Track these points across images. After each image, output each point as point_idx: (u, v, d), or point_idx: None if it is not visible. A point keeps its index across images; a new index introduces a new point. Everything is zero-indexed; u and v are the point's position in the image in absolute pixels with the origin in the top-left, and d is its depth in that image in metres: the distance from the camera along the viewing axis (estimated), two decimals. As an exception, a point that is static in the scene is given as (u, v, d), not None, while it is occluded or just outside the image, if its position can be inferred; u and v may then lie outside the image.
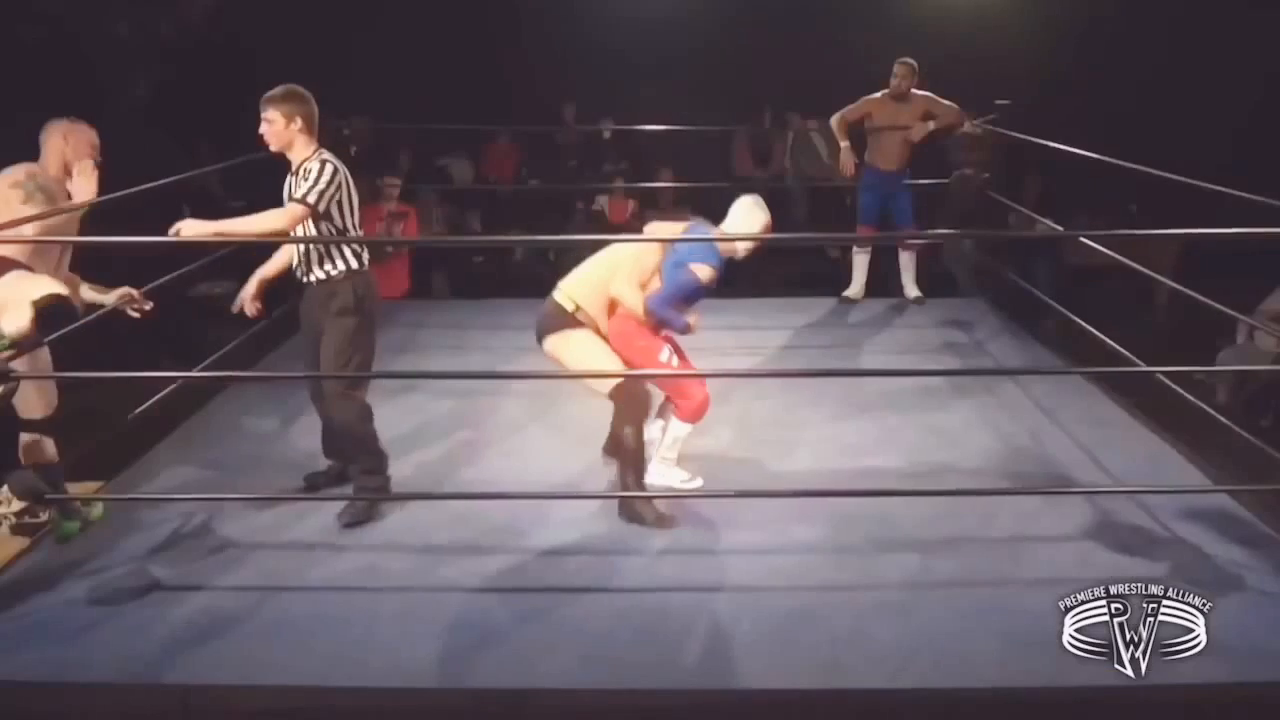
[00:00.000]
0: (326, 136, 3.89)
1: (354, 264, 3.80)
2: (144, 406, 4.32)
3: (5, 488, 3.53)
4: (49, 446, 3.59)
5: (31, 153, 3.55)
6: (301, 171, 3.73)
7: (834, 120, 6.45)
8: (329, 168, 3.71)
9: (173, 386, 4.51)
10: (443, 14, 8.43)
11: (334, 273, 3.79)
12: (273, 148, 3.81)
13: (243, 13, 8.01)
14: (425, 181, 8.36)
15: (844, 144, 6.43)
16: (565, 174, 8.70)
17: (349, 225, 3.78)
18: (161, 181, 4.46)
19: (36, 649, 3.00)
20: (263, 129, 3.77)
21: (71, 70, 7.30)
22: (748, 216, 4.00)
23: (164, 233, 3.50)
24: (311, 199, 3.66)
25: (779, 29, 8.54)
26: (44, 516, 3.58)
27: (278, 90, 3.78)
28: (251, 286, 3.99)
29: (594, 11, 8.44)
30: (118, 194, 3.82)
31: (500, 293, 7.35)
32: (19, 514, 3.53)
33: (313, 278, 3.81)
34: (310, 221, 3.69)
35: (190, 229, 3.54)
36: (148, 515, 3.78)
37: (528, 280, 7.90)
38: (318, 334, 3.84)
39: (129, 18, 7.90)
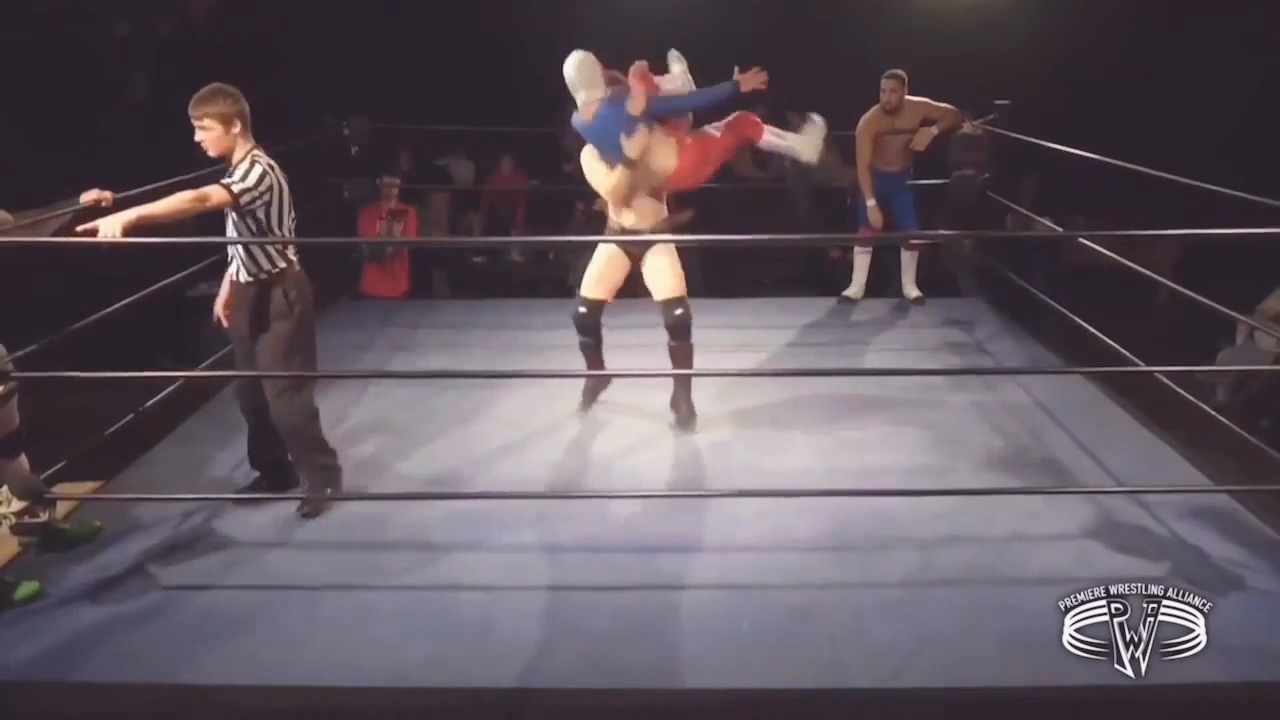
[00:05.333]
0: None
1: (280, 263, 3.72)
2: (144, 406, 4.32)
3: (5, 488, 3.53)
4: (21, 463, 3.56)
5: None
6: (239, 167, 3.58)
7: (860, 173, 6.42)
8: (258, 168, 3.58)
9: (173, 386, 4.51)
10: (443, 14, 8.42)
11: (261, 274, 3.70)
12: (213, 154, 3.63)
13: (243, 12, 8.01)
14: (425, 181, 8.35)
15: (871, 202, 6.40)
16: (562, 176, 8.70)
17: (274, 229, 3.65)
18: (162, 183, 4.46)
19: (36, 649, 3.00)
20: (199, 137, 3.59)
21: (72, 69, 7.31)
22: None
23: (164, 233, 3.48)
24: (235, 189, 3.53)
25: (778, 29, 8.53)
26: (44, 516, 3.58)
27: (207, 92, 3.56)
28: (224, 293, 3.87)
29: (594, 12, 8.43)
30: (119, 194, 3.82)
31: (500, 293, 7.36)
32: (19, 514, 3.53)
33: (241, 278, 3.73)
34: (235, 218, 3.59)
35: (110, 226, 3.32)
36: (148, 515, 3.78)
37: (528, 280, 7.93)
38: (249, 336, 3.76)
39: (129, 17, 7.91)
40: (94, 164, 5.59)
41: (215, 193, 3.52)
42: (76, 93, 7.29)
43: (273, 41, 7.60)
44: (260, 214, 3.61)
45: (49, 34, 7.33)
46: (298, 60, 7.32)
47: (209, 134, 3.58)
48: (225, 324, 3.93)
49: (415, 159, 8.42)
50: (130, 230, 3.34)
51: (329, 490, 3.86)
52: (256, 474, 4.01)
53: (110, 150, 6.77)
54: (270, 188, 3.60)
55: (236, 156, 3.62)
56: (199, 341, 6.06)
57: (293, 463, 3.92)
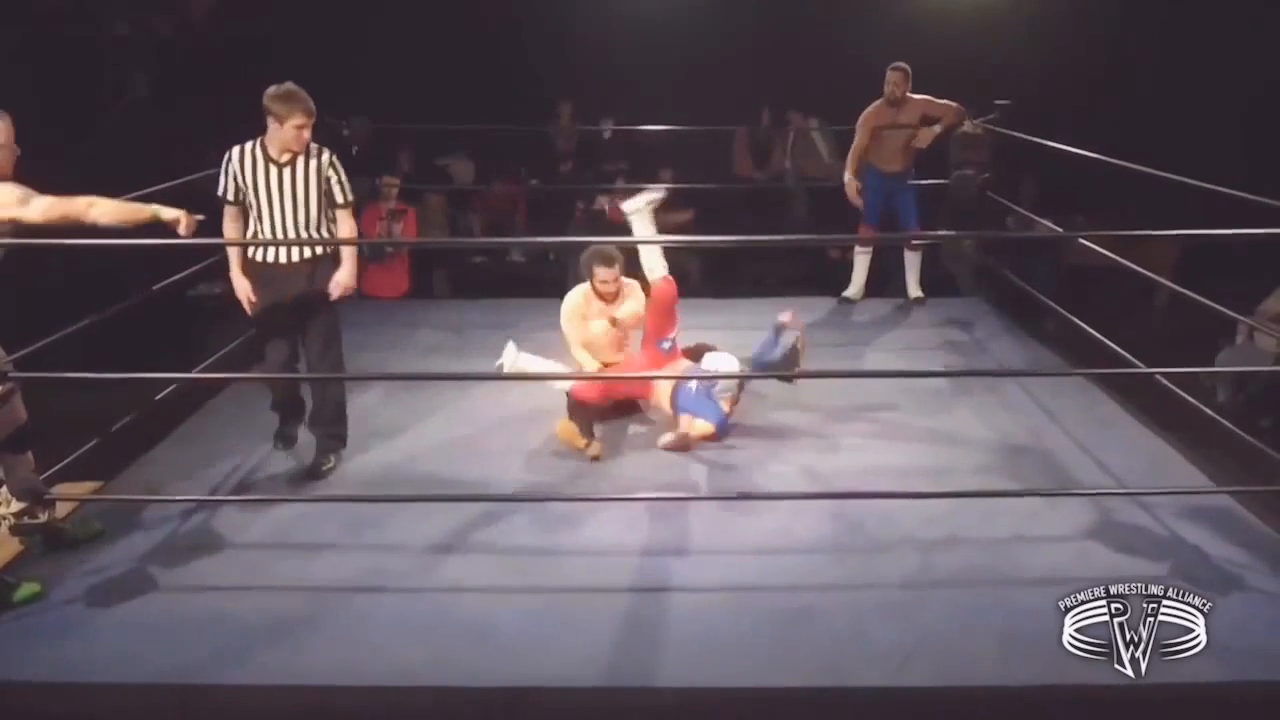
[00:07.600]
0: (325, 136, 3.98)
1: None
2: (144, 407, 4.32)
3: (5, 488, 3.53)
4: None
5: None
6: (330, 169, 3.95)
7: (850, 154, 6.50)
8: (339, 164, 4.01)
9: (173, 387, 4.51)
10: (442, 14, 8.42)
11: (319, 251, 4.04)
12: (298, 151, 3.90)
13: (243, 12, 8.01)
14: (425, 181, 8.35)
15: (849, 177, 6.48)
16: (562, 176, 8.70)
17: None
18: (164, 185, 4.46)
19: (36, 649, 3.00)
20: (301, 137, 3.85)
21: (72, 69, 7.30)
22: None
23: (163, 234, 3.48)
24: (352, 197, 4.06)
25: (779, 29, 8.53)
26: (43, 517, 3.58)
27: (300, 91, 3.85)
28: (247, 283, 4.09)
29: (594, 12, 8.43)
30: (120, 197, 3.81)
31: (500, 293, 7.35)
32: (19, 514, 3.52)
33: (294, 258, 4.00)
34: (314, 203, 3.96)
35: (343, 288, 4.02)
36: (148, 515, 3.78)
37: (528, 280, 7.91)
38: (296, 305, 4.03)
39: (129, 17, 7.91)
40: (94, 164, 5.59)
41: (352, 223, 4.07)
42: (76, 93, 7.28)
43: (272, 41, 7.59)
44: None
45: (49, 34, 7.33)
46: (297, 60, 7.30)
47: (308, 133, 3.88)
48: (253, 308, 4.08)
49: (415, 159, 8.42)
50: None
51: (334, 454, 4.20)
52: (280, 439, 4.33)
53: (110, 150, 6.77)
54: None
55: (300, 152, 3.92)
56: (199, 342, 6.05)
57: (314, 429, 4.22)
